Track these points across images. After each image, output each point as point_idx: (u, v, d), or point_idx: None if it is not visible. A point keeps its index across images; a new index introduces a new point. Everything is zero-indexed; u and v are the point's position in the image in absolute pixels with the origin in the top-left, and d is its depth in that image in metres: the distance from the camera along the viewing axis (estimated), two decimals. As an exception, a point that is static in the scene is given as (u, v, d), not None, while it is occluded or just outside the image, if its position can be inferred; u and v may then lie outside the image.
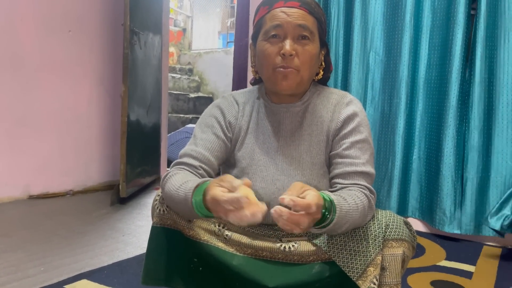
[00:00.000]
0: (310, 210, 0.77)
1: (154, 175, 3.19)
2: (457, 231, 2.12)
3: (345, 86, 2.48)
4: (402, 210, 2.34)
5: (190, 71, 7.05)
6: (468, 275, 1.73)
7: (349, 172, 1.01)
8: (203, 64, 7.06)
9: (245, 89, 1.19)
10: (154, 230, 1.09)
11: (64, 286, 1.45)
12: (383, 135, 2.39)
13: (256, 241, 1.05)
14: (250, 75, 1.25)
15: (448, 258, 1.91)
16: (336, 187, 1.02)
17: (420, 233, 2.26)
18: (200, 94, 6.43)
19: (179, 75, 6.57)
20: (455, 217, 2.13)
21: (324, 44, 1.09)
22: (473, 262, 1.87)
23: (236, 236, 1.06)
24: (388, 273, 0.99)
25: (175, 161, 1.07)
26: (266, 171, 1.07)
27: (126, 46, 2.58)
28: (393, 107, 2.34)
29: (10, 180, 2.59)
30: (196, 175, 1.02)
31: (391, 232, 0.99)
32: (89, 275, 1.54)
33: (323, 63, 1.10)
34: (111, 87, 3.08)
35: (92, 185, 3.03)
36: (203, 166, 1.04)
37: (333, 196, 0.89)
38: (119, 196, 2.63)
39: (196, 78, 6.90)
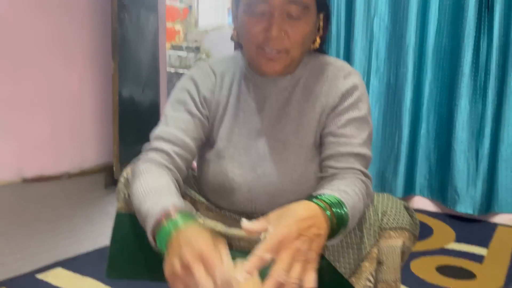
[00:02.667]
0: (265, 259, 0.59)
1: (153, 156, 3.09)
2: (469, 211, 1.96)
3: (348, 56, 2.30)
4: (409, 188, 2.19)
5: (197, 49, 6.88)
6: (478, 259, 1.58)
7: (343, 153, 0.85)
8: (210, 42, 6.87)
9: (225, 57, 1.00)
10: (119, 217, 0.96)
11: (36, 275, 1.36)
12: (389, 109, 2.21)
13: (232, 229, 0.92)
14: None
15: (457, 240, 1.77)
16: (327, 171, 0.86)
17: (428, 213, 2.10)
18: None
19: (185, 53, 6.42)
20: (468, 195, 1.97)
21: (323, 7, 0.89)
22: (485, 244, 1.72)
23: (210, 223, 0.93)
24: (385, 268, 0.85)
25: (145, 146, 0.91)
26: (246, 155, 0.91)
27: (114, 20, 2.44)
28: (400, 77, 2.16)
29: (1, 162, 2.52)
30: (168, 167, 0.86)
31: (389, 220, 0.85)
32: (65, 263, 1.45)
33: (321, 30, 0.90)
34: (104, 65, 2.96)
35: (89, 166, 2.94)
36: (177, 149, 0.87)
37: (336, 194, 0.74)
38: (113, 177, 2.53)
39: (203, 56, 6.74)
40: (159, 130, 0.91)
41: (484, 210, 1.96)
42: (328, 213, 0.68)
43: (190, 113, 0.91)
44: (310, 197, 0.72)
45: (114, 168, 2.50)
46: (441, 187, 2.10)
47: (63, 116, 2.80)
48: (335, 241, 0.74)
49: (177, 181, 0.86)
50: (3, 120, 2.52)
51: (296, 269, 0.59)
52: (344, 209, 0.71)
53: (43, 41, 2.65)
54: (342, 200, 0.72)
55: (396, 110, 2.18)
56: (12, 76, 2.53)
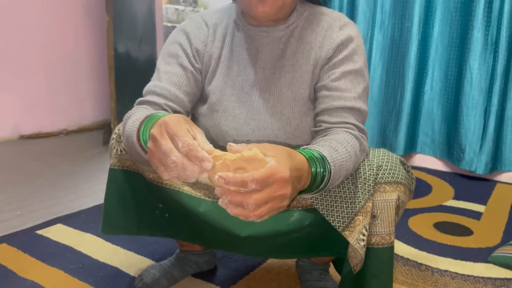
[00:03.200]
0: (246, 186, 0.55)
1: (151, 113, 3.05)
2: (472, 169, 1.95)
3: (352, 9, 2.21)
4: (410, 146, 2.17)
5: (195, 2, 6.66)
6: (476, 215, 1.59)
7: (336, 107, 0.84)
8: (208, -5, 6.64)
9: (219, 8, 0.98)
10: (112, 173, 0.96)
11: (37, 232, 1.36)
12: (392, 65, 2.16)
13: None
14: None
15: (456, 197, 1.77)
16: (320, 126, 0.85)
17: (428, 171, 2.10)
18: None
19: (183, 7, 6.21)
20: (474, 154, 1.95)
21: None
22: (483, 202, 1.72)
23: (205, 179, 0.92)
24: (379, 221, 0.84)
25: (138, 100, 0.90)
26: (239, 108, 0.89)
27: (107, -30, 2.32)
28: (404, 32, 2.08)
29: (-2, 119, 2.49)
30: None
31: (384, 174, 0.83)
32: (65, 220, 1.45)
33: None
34: (98, 18, 2.86)
35: (87, 124, 2.92)
36: (170, 103, 0.87)
37: (323, 151, 0.71)
38: (111, 135, 2.51)
39: (201, 10, 6.54)
40: (152, 85, 0.89)
41: (489, 168, 1.95)
42: (313, 169, 0.67)
43: (183, 67, 0.90)
44: (299, 149, 0.70)
45: (112, 125, 2.48)
46: (446, 145, 2.09)
47: (59, 73, 2.74)
48: (304, 196, 0.74)
49: None
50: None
51: (265, 210, 0.57)
52: (328, 168, 0.70)
53: (34, -8, 2.54)
54: (329, 159, 0.71)
55: (399, 66, 2.12)
56: (4, 33, 2.45)
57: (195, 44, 0.91)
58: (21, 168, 2.05)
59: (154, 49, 3.13)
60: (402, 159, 0.88)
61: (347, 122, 0.83)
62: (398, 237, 1.37)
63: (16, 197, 1.66)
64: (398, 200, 0.85)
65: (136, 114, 0.79)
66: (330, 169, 0.70)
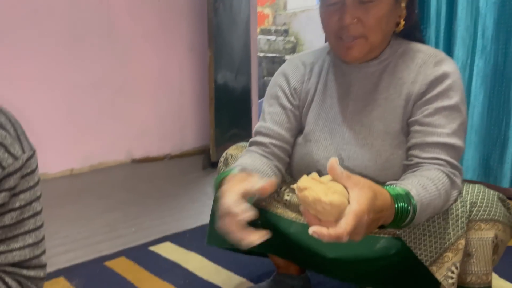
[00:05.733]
0: (341, 239, 0.60)
1: (246, 138, 3.21)
2: None
3: (449, 37, 2.15)
4: (517, 178, 2.01)
5: (286, 32, 6.89)
6: None
7: (428, 143, 0.84)
8: (299, 24, 6.83)
9: (316, 48, 1.07)
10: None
11: (149, 248, 1.53)
12: (495, 92, 2.04)
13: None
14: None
15: None
16: (411, 160, 0.87)
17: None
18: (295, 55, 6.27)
19: (274, 37, 6.47)
20: None
21: None
22: None
23: (296, 199, 0.99)
24: (474, 260, 0.84)
25: (250, 140, 1.03)
26: (331, 139, 0.95)
27: (210, 11, 2.56)
28: (509, 57, 1.97)
29: (115, 145, 2.82)
30: (266, 156, 0.97)
31: (479, 212, 0.83)
32: (173, 238, 1.61)
33: (404, 11, 0.89)
34: (201, 53, 3.13)
35: (188, 149, 3.16)
36: (274, 141, 0.98)
37: (412, 188, 0.74)
38: (210, 160, 2.70)
39: (292, 39, 6.73)
40: (259, 125, 1.02)
41: None
42: (396, 206, 0.70)
43: (283, 106, 1.00)
44: (387, 186, 0.74)
45: (210, 151, 2.67)
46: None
47: (166, 103, 3.03)
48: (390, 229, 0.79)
49: (276, 166, 0.97)
50: (115, 107, 2.81)
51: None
52: (413, 204, 0.72)
53: (148, 33, 2.88)
54: (415, 196, 0.73)
55: (504, 93, 2.00)
56: (122, 66, 2.80)
57: (293, 84, 1.00)
58: (133, 189, 2.29)
59: (249, 79, 3.31)
60: (501, 195, 0.86)
61: (439, 159, 0.83)
62: (504, 276, 1.29)
63: (130, 215, 1.88)
64: (496, 238, 0.83)
65: (242, 159, 0.95)
66: (415, 206, 0.72)
